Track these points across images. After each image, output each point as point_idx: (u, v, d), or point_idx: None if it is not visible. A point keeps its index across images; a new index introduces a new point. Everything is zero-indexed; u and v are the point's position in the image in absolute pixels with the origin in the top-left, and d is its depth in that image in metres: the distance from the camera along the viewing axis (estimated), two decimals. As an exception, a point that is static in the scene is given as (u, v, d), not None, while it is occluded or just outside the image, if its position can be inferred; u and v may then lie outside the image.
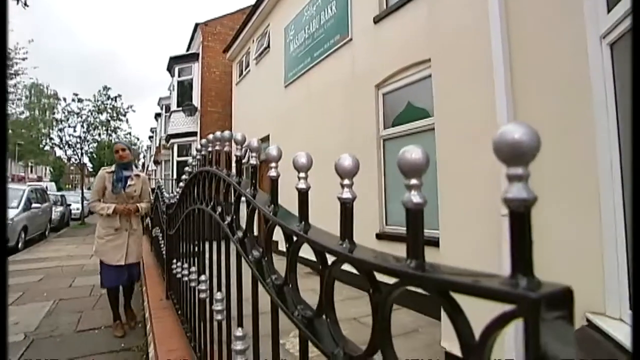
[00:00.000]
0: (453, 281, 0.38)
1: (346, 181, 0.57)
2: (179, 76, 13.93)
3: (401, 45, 4.61)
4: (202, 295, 1.69)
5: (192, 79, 13.60)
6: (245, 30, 10.16)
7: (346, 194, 0.57)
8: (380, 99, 5.13)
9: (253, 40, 10.15)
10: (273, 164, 0.83)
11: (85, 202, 16.10)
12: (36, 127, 18.10)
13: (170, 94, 15.95)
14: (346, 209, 0.57)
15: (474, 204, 2.61)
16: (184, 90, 13.74)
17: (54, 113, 18.04)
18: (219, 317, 1.42)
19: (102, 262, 3.30)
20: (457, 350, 2.70)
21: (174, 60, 14.04)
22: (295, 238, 0.69)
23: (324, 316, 0.63)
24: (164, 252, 3.72)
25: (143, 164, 36.12)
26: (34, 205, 10.15)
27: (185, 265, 2.19)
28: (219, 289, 1.46)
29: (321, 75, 6.50)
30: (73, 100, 17.17)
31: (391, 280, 0.47)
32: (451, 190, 2.89)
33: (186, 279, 2.15)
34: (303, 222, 0.69)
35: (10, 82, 19.52)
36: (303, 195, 0.71)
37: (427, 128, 4.22)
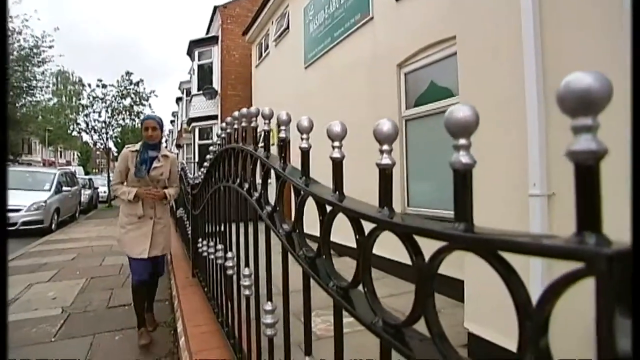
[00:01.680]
0: (508, 240, 0.36)
1: (385, 147, 0.55)
2: (199, 60, 13.99)
3: (424, 23, 4.47)
4: (230, 272, 1.72)
5: (212, 63, 13.64)
6: (264, 12, 10.05)
7: (385, 160, 0.55)
8: (402, 78, 5.01)
9: (272, 22, 10.04)
10: (304, 135, 0.82)
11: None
12: (64, 113, 18.67)
13: (191, 77, 16.09)
14: (385, 176, 0.56)
15: (499, 185, 2.55)
16: (204, 73, 13.81)
17: (79, 99, 18.54)
18: (247, 292, 1.44)
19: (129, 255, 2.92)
20: (480, 331, 2.68)
21: (194, 44, 14.08)
22: (329, 208, 0.68)
23: (360, 287, 0.62)
24: (189, 232, 3.80)
25: (165, 148, 36.79)
26: (64, 188, 10.55)
27: (212, 244, 2.24)
28: (247, 265, 1.48)
29: (342, 56, 6.39)
30: (97, 86, 17.56)
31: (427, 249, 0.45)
32: (475, 171, 2.81)
33: (212, 257, 2.19)
34: (337, 192, 0.68)
35: (38, 70, 20.12)
36: (337, 165, 0.69)
37: (452, 108, 4.10)
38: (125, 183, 2.94)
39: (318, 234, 0.76)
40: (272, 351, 1.16)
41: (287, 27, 8.87)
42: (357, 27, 5.91)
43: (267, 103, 10.01)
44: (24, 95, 19.99)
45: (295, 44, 8.27)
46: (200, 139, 13.66)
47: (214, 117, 13.13)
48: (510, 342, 2.32)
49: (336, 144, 0.69)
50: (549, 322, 0.33)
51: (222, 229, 1.95)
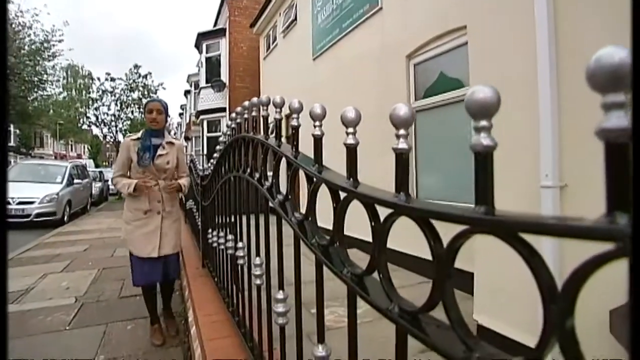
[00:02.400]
0: (532, 222, 0.35)
1: (402, 131, 0.54)
2: (206, 52, 13.98)
3: (434, 13, 4.40)
4: (240, 262, 1.73)
5: (219, 55, 13.62)
6: (272, 3, 9.98)
7: (402, 144, 0.54)
8: (411, 69, 4.96)
9: (280, 14, 9.98)
10: (317, 123, 0.81)
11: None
12: (74, 107, 18.90)
13: (199, 70, 16.10)
14: (402, 160, 0.55)
15: (510, 177, 2.52)
16: (212, 66, 13.81)
17: (89, 92, 18.75)
18: (258, 281, 1.45)
19: (132, 253, 2.66)
20: (489, 324, 2.68)
21: (202, 37, 14.07)
22: (344, 195, 0.67)
23: (375, 274, 0.62)
24: (198, 223, 3.83)
25: (171, 135, 36.94)
26: (75, 181, 10.69)
27: (222, 234, 2.25)
28: (258, 255, 1.48)
29: (350, 47, 6.34)
30: (106, 79, 17.73)
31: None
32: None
33: (222, 247, 2.21)
34: (352, 179, 0.67)
35: (49, 64, 20.35)
36: (352, 152, 0.69)
37: (461, 99, 4.06)
38: (129, 175, 2.67)
39: (326, 227, 0.76)
40: (284, 339, 1.17)
41: (295, 19, 8.81)
42: (366, 18, 5.84)
43: (275, 95, 9.97)
44: (36, 89, 20.24)
45: (303, 35, 8.22)
46: (208, 131, 13.69)
47: (222, 109, 13.14)
48: (520, 334, 2.31)
49: (350, 130, 0.68)
50: (575, 306, 0.32)
51: (233, 219, 1.96)
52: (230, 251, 1.94)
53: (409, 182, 0.55)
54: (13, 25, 18.20)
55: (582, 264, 0.30)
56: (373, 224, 0.60)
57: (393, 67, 5.12)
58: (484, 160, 0.42)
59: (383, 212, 0.62)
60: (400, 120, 0.54)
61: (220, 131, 13.12)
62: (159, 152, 2.62)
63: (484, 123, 0.42)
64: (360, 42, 6.03)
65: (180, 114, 32.36)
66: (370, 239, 0.60)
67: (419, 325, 0.51)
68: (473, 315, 2.69)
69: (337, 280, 0.90)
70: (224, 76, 13.24)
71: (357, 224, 0.81)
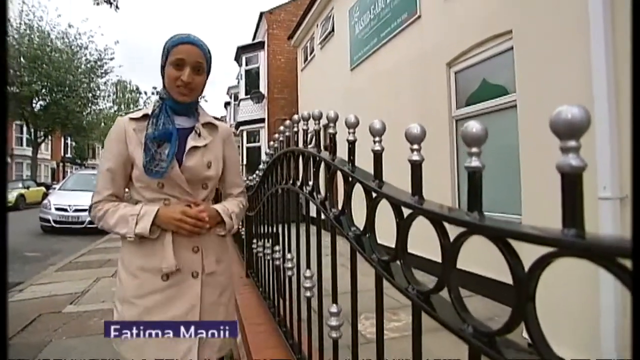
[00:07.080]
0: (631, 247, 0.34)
1: (474, 149, 0.54)
2: (246, 65, 14.44)
3: (475, 18, 4.31)
4: (289, 273, 1.75)
5: (258, 67, 14.03)
6: (309, 16, 10.18)
7: (475, 162, 0.54)
8: (452, 77, 4.87)
9: (317, 25, 10.15)
10: (377, 138, 0.82)
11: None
12: (123, 120, 20.20)
13: (239, 82, 16.63)
14: (475, 179, 0.55)
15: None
16: (251, 78, 14.23)
17: (136, 106, 19.94)
18: (307, 293, 1.46)
19: None
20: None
21: (241, 50, 14.57)
22: (409, 211, 0.67)
23: (443, 293, 0.61)
24: (242, 233, 3.91)
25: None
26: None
27: (268, 245, 2.29)
28: (308, 267, 1.50)
29: (388, 56, 6.32)
30: (153, 93, 18.75)
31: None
32: (536, 173, 2.67)
33: (269, 258, 2.24)
34: (417, 196, 0.67)
35: (101, 81, 21.98)
36: (416, 168, 0.69)
37: (506, 106, 3.94)
38: (127, 194, 1.31)
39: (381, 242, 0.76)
40: (337, 354, 1.17)
41: (332, 30, 8.93)
42: (405, 27, 5.82)
43: (313, 106, 10.06)
44: (90, 105, 21.83)
45: (341, 46, 8.30)
46: (248, 142, 14.08)
47: (261, 120, 13.48)
48: (572, 353, 2.16)
49: (415, 146, 0.68)
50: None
51: (280, 230, 1.99)
52: (277, 262, 1.97)
53: (482, 200, 0.55)
54: (72, 47, 19.86)
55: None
56: (442, 241, 0.60)
57: (433, 76, 5.05)
58: (573, 182, 0.41)
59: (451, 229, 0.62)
60: (475, 138, 0.53)
61: (259, 142, 13.45)
62: (191, 142, 1.26)
63: (572, 143, 0.41)
64: (398, 51, 6.00)
65: (220, 126, 33.42)
66: (429, 256, 0.60)
67: (496, 347, 0.50)
68: (523, 333, 2.56)
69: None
70: (263, 88, 13.61)
71: (414, 240, 0.81)
